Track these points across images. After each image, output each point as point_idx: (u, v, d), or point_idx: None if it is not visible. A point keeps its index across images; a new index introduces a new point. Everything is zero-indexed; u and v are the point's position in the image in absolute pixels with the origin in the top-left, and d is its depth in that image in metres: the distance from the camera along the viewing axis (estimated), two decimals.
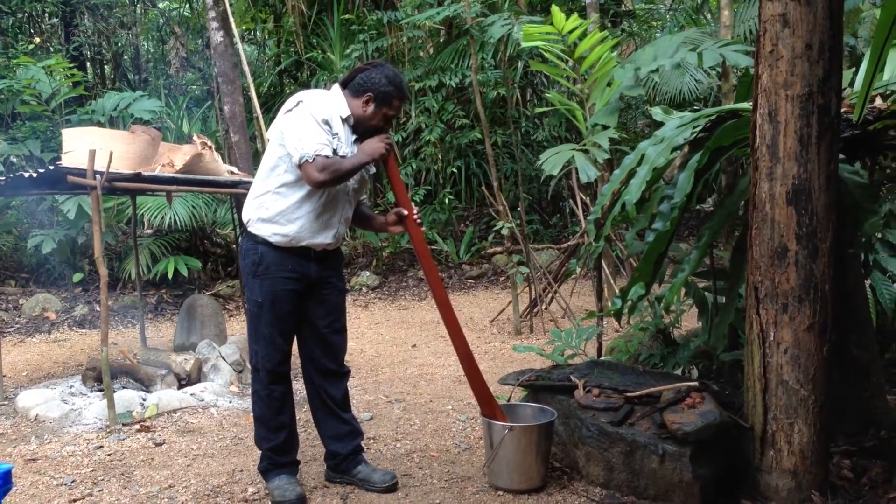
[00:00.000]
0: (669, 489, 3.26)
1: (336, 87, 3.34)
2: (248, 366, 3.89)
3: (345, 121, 3.26)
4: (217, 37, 6.16)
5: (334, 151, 3.17)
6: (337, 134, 3.22)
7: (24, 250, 8.38)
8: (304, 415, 3.94)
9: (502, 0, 11.47)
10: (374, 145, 3.23)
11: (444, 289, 3.58)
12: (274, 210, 3.24)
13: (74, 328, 7.48)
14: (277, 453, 3.44)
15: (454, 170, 10.32)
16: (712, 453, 3.27)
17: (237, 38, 6.86)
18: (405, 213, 3.39)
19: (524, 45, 4.71)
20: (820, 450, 3.22)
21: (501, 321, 7.17)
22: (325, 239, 3.32)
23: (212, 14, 6.24)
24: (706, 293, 4.28)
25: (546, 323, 6.79)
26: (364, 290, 8.99)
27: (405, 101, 3.44)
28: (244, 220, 3.34)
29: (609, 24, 10.92)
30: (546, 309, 7.09)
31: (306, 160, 3.09)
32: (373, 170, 3.46)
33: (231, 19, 6.28)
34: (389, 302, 8.43)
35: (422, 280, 9.33)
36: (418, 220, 3.43)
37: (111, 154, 4.39)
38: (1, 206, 8.54)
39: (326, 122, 3.17)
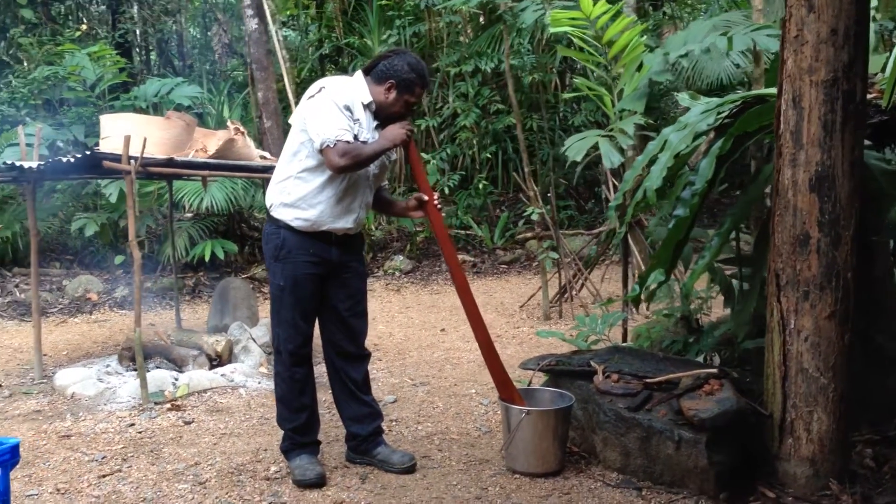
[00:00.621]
0: (685, 475, 3.26)
1: (359, 73, 3.38)
2: None
3: (366, 107, 3.31)
4: (252, 24, 6.24)
5: (355, 137, 3.22)
6: (358, 120, 3.26)
7: (69, 233, 8.61)
8: (327, 396, 4.01)
9: None
10: (396, 131, 3.27)
11: (463, 273, 3.61)
12: (296, 195, 3.30)
13: (115, 309, 7.68)
14: (299, 433, 3.51)
15: (489, 155, 10.32)
16: (729, 440, 3.26)
17: (272, 26, 6.93)
18: (426, 198, 3.43)
19: (551, 30, 4.70)
20: (839, 438, 3.19)
21: (531, 306, 7.18)
22: (345, 224, 3.37)
23: (247, 2, 6.32)
24: (733, 280, 4.25)
25: (576, 309, 6.78)
26: (397, 273, 9.07)
27: (427, 89, 3.47)
28: (267, 204, 3.41)
29: (650, 8, 10.82)
30: (577, 294, 7.08)
31: (327, 145, 3.14)
32: (394, 156, 3.50)
33: (266, 7, 6.34)
34: (422, 286, 8.48)
35: None
36: (438, 206, 3.46)
37: (145, 139, 4.49)
38: (47, 190, 8.77)
39: (348, 108, 3.22)
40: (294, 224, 3.31)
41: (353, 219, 3.39)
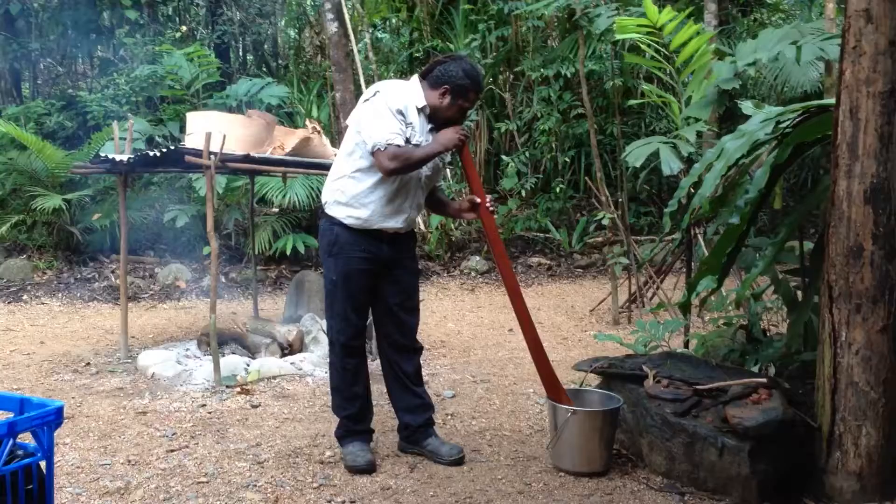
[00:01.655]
0: (728, 483, 3.28)
1: (415, 77, 3.51)
2: None
3: (421, 111, 3.44)
4: (332, 28, 6.47)
5: (407, 140, 3.35)
6: (411, 123, 3.39)
7: (163, 224, 9.06)
8: (383, 387, 4.16)
9: None
10: (449, 136, 3.39)
11: (514, 275, 3.70)
12: (349, 193, 3.46)
13: (200, 297, 8.05)
14: (352, 421, 3.67)
15: (567, 159, 10.34)
16: (774, 450, 3.26)
17: (350, 29, 7.16)
18: (478, 200, 3.53)
19: (618, 37, 4.74)
20: (887, 454, 3.16)
21: (601, 311, 7.20)
22: (395, 223, 3.51)
23: (327, 6, 6.57)
24: (798, 291, 4.21)
25: (646, 315, 6.76)
26: (473, 274, 9.19)
27: (481, 94, 3.57)
28: (322, 201, 3.58)
29: (739, 14, 10.63)
30: (650, 301, 7.05)
31: (378, 148, 3.29)
32: (448, 158, 3.62)
33: (345, 11, 6.57)
34: (496, 287, 8.58)
35: (530, 267, 9.44)
36: (491, 209, 3.56)
37: (224, 136, 4.75)
38: (145, 182, 9.26)
39: (401, 113, 3.35)
40: (347, 221, 3.47)
41: (403, 219, 3.53)
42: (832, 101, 3.50)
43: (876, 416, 3.13)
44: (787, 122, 3.59)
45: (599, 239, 8.01)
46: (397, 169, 3.31)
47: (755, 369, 4.00)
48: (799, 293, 4.16)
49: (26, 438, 2.33)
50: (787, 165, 3.53)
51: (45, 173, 8.67)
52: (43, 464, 2.31)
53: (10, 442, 2.17)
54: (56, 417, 2.25)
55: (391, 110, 3.33)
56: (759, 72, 8.04)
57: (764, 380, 3.51)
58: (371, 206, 3.45)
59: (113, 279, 8.40)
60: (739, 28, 10.17)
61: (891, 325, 3.11)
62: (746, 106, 3.98)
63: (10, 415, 2.34)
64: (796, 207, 3.73)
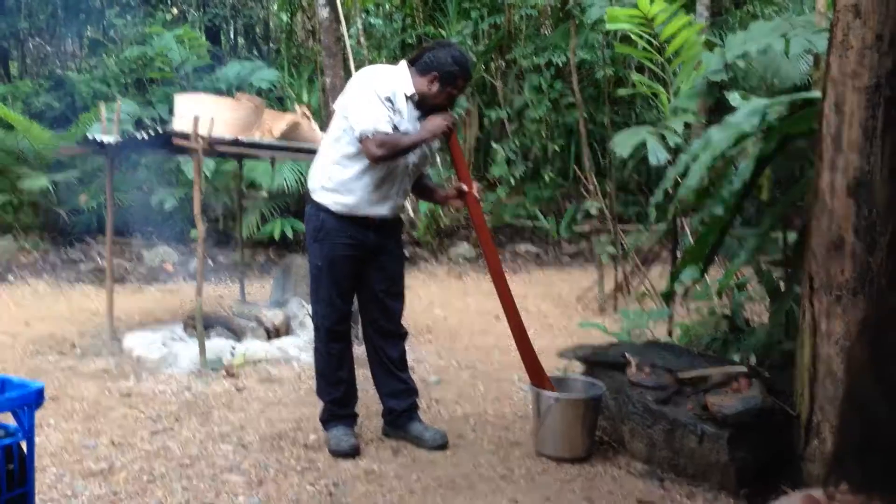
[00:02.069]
0: (707, 469, 3.32)
1: (403, 63, 3.51)
2: None
3: (409, 98, 3.43)
4: (323, 13, 6.46)
5: (395, 128, 3.35)
6: (399, 110, 3.39)
7: (150, 206, 9.03)
8: (368, 372, 4.18)
9: None
10: (437, 123, 3.39)
11: (499, 262, 3.72)
12: (336, 180, 3.46)
13: (187, 280, 8.04)
14: (336, 405, 3.69)
15: (556, 147, 10.35)
16: (753, 438, 3.30)
17: (342, 15, 7.14)
18: (465, 188, 3.54)
19: (609, 27, 4.75)
20: None
21: (588, 299, 7.23)
22: (382, 210, 3.52)
23: None
24: (781, 281, 4.25)
25: (632, 303, 6.80)
26: (461, 260, 9.21)
27: (469, 81, 3.57)
28: (309, 187, 3.58)
29: (731, 5, 10.64)
30: (636, 289, 7.09)
31: (366, 135, 3.29)
32: (436, 144, 3.62)
33: None
34: (483, 274, 8.57)
35: (518, 255, 9.47)
36: (478, 196, 3.57)
37: (213, 119, 4.73)
38: (132, 164, 9.22)
39: (389, 100, 3.35)
40: (333, 208, 3.47)
41: (389, 206, 3.53)
42: (818, 94, 3.53)
43: None
44: (774, 115, 3.61)
45: (587, 227, 8.03)
46: (385, 156, 3.32)
47: (737, 358, 4.04)
48: (781, 283, 4.20)
49: (7, 419, 2.34)
50: (772, 157, 3.56)
51: (31, 153, 8.62)
52: (24, 444, 2.32)
53: None
54: (36, 398, 2.26)
55: (379, 97, 3.32)
56: (749, 64, 8.06)
57: (744, 369, 3.55)
58: (358, 192, 3.45)
59: (99, 261, 8.37)
60: (732, 19, 10.18)
61: (870, 317, 3.13)
62: (734, 98, 4.01)
63: None
64: (780, 199, 3.75)
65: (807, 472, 3.25)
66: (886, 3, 3.03)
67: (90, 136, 5.25)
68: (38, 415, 2.37)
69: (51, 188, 8.35)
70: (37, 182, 8.15)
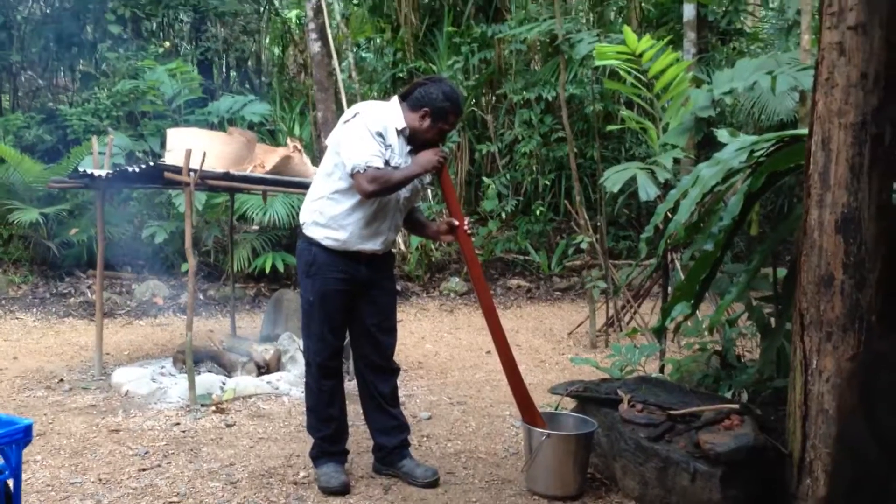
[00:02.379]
0: None
1: (395, 99, 3.53)
2: None
3: (400, 132, 3.45)
4: (315, 47, 6.52)
5: (386, 162, 3.36)
6: (390, 145, 3.41)
7: (141, 239, 9.01)
8: (359, 408, 4.16)
9: (615, 17, 11.53)
10: (428, 157, 3.40)
11: (491, 298, 3.71)
12: (327, 215, 3.46)
13: (178, 314, 8.01)
14: (327, 442, 3.66)
15: (546, 182, 10.41)
16: (745, 476, 3.28)
17: (333, 49, 7.20)
18: (456, 223, 3.55)
19: (597, 63, 4.81)
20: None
21: (579, 334, 7.23)
22: (373, 246, 3.52)
23: (311, 26, 6.62)
24: (772, 318, 4.25)
25: (623, 339, 6.80)
26: (452, 295, 9.20)
27: (461, 117, 3.60)
28: (301, 222, 3.58)
29: (718, 42, 10.78)
30: (628, 325, 7.09)
31: (357, 171, 3.30)
32: (427, 179, 3.64)
33: (328, 30, 6.62)
34: (474, 308, 8.59)
35: (510, 289, 9.47)
36: (469, 231, 3.57)
37: (204, 153, 4.74)
38: (123, 197, 9.21)
39: (380, 135, 3.37)
40: (325, 243, 3.47)
41: (381, 241, 3.54)
42: (805, 131, 3.57)
43: None
44: (762, 151, 3.64)
45: (578, 262, 8.06)
46: (376, 191, 3.33)
47: (728, 395, 4.03)
48: (772, 320, 4.20)
49: None
50: (760, 193, 3.59)
51: (22, 187, 8.61)
52: (11, 482, 2.29)
53: None
54: (24, 435, 2.24)
55: (371, 132, 3.34)
56: (737, 100, 8.16)
57: (736, 406, 3.54)
58: (349, 227, 3.45)
59: (89, 294, 8.34)
60: (718, 56, 10.32)
61: (860, 354, 3.14)
62: (722, 134, 4.04)
63: None
64: (770, 235, 3.78)
65: None
66: (871, 42, 3.08)
67: (81, 170, 5.26)
68: (25, 451, 2.35)
69: (41, 221, 8.33)
70: (27, 215, 8.12)
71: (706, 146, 8.64)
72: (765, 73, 4.35)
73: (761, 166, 3.44)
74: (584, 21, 11.21)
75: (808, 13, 5.70)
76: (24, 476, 2.86)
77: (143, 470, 3.77)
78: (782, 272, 4.07)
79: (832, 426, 3.16)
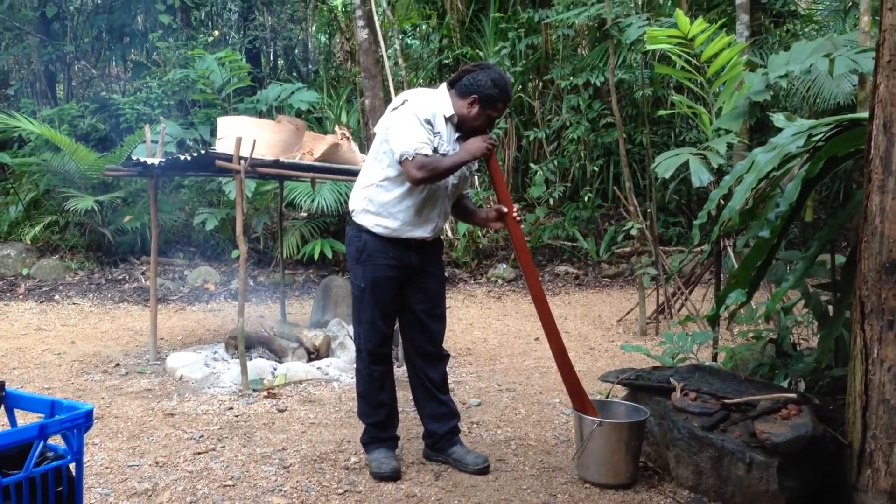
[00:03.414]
0: (755, 498, 3.24)
1: (443, 86, 3.52)
2: None
3: (448, 119, 3.44)
4: (362, 35, 6.52)
5: (435, 150, 3.36)
6: (439, 133, 3.40)
7: (193, 226, 9.16)
8: (409, 394, 4.17)
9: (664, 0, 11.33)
10: (477, 144, 3.39)
11: (540, 284, 3.69)
12: (378, 202, 3.47)
13: (229, 300, 8.13)
14: (378, 428, 3.69)
15: (594, 168, 10.32)
16: (803, 466, 3.22)
17: (380, 36, 7.20)
18: (505, 210, 3.53)
19: (648, 47, 4.73)
20: None
21: (629, 321, 7.16)
22: (423, 233, 3.52)
23: (358, 13, 6.62)
24: (829, 306, 4.16)
25: (674, 326, 6.72)
26: (500, 282, 9.18)
27: (509, 104, 3.57)
28: (350, 209, 3.60)
29: (771, 25, 10.54)
30: (678, 312, 7.01)
31: (406, 158, 3.30)
32: (475, 166, 3.63)
33: (375, 17, 6.61)
34: (522, 295, 8.56)
35: (557, 276, 9.41)
36: (518, 218, 3.56)
37: (254, 141, 4.79)
38: (175, 185, 9.36)
39: (428, 122, 3.36)
40: (375, 230, 3.49)
41: (431, 228, 3.54)
42: (865, 114, 3.46)
43: None
44: (820, 136, 3.55)
45: (627, 249, 7.97)
46: (425, 178, 3.32)
47: (784, 384, 3.96)
48: (830, 308, 4.11)
49: (56, 440, 2.36)
50: (818, 179, 3.49)
51: (77, 175, 8.80)
52: (72, 466, 2.34)
53: (41, 444, 2.21)
54: (86, 420, 2.29)
55: (419, 119, 3.34)
56: (792, 84, 7.97)
57: (793, 395, 3.47)
58: (400, 215, 3.46)
59: (143, 281, 8.50)
60: (772, 39, 10.08)
61: None
62: (778, 118, 3.94)
63: (41, 417, 2.38)
64: (828, 221, 3.69)
65: (859, 503, 3.16)
66: None
67: (134, 158, 5.34)
68: (85, 435, 2.40)
69: (96, 209, 8.51)
70: (83, 203, 8.30)
71: (758, 131, 8.47)
72: (822, 56, 4.23)
73: (820, 151, 3.35)
74: (632, 4, 11.04)
75: None
76: (84, 458, 2.92)
77: (199, 453, 3.84)
78: (840, 259, 3.98)
79: (893, 416, 3.09)
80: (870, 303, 3.13)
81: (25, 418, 2.84)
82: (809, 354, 4.23)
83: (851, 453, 3.21)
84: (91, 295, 8.10)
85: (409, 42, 12.89)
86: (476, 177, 9.45)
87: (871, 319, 3.13)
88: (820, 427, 3.27)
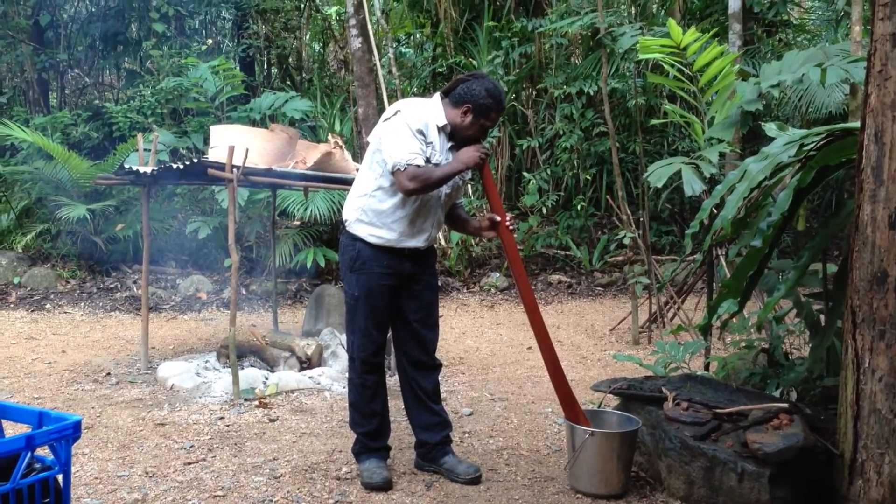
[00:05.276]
0: None
1: (437, 96, 3.52)
2: None
3: (441, 129, 3.44)
4: (356, 43, 6.53)
5: (427, 160, 3.36)
6: (431, 143, 3.40)
7: (185, 235, 9.13)
8: (401, 404, 4.16)
9: (658, 9, 11.39)
10: (470, 154, 3.39)
11: (532, 294, 3.69)
12: (371, 213, 3.47)
13: (221, 309, 8.10)
14: (369, 438, 3.67)
15: (588, 177, 10.33)
16: (794, 476, 3.22)
17: (374, 45, 7.21)
18: (498, 219, 3.53)
19: (641, 56, 4.74)
20: None
21: (622, 330, 7.16)
22: (416, 243, 3.52)
23: (352, 22, 6.63)
24: (821, 315, 4.17)
25: (666, 336, 6.72)
26: (492, 290, 9.18)
27: (503, 114, 3.57)
28: (344, 218, 3.59)
29: (763, 34, 10.59)
30: (670, 321, 7.01)
31: (398, 168, 3.30)
32: (468, 175, 3.62)
33: (369, 26, 6.62)
34: (515, 304, 8.56)
35: (550, 285, 9.41)
36: (511, 227, 3.56)
37: (247, 150, 4.78)
38: (168, 193, 9.34)
39: (421, 132, 3.36)
40: (369, 240, 3.48)
41: (424, 237, 3.54)
42: (857, 124, 3.47)
43: None
44: (811, 145, 3.56)
45: (620, 258, 7.98)
46: (417, 189, 3.32)
47: (776, 394, 3.96)
48: (822, 317, 4.11)
49: (44, 451, 2.34)
50: (810, 188, 3.50)
51: (70, 183, 8.78)
52: (60, 477, 2.32)
53: (28, 455, 2.19)
54: (74, 431, 2.27)
55: (411, 130, 3.34)
56: (784, 93, 8.01)
57: (785, 405, 3.47)
58: (394, 226, 3.46)
59: (135, 289, 8.47)
60: (764, 48, 10.13)
61: None
62: (770, 128, 3.95)
63: (29, 428, 2.36)
64: (820, 231, 3.69)
65: None
66: None
67: (127, 167, 5.33)
68: (73, 444, 2.38)
69: (88, 217, 8.48)
70: (75, 211, 8.27)
71: (751, 141, 8.51)
72: (814, 66, 4.25)
73: (811, 161, 3.36)
74: (626, 14, 11.08)
75: (859, 3, 5.57)
76: (72, 469, 2.90)
77: (189, 464, 3.81)
78: (832, 268, 3.99)
79: (885, 426, 3.09)
80: (861, 312, 3.13)
81: (13, 429, 2.82)
82: (801, 364, 4.23)
83: (843, 463, 3.21)
84: (82, 304, 8.07)
85: (402, 51, 12.92)
86: (469, 185, 9.46)
87: (863, 329, 3.13)
88: (811, 437, 3.27)
